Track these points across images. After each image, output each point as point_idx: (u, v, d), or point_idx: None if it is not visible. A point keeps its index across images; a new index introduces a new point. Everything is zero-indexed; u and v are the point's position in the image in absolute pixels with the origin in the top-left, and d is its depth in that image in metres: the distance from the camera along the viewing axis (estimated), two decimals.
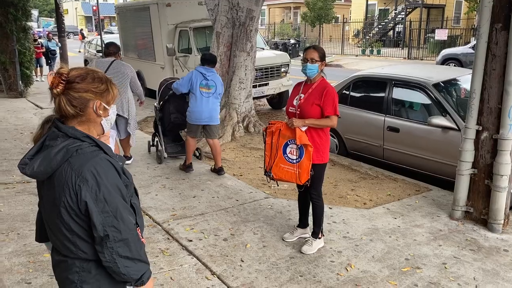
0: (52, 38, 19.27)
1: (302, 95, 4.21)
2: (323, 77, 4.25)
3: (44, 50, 17.82)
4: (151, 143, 7.65)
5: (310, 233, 4.57)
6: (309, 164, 4.13)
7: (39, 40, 17.97)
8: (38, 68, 17.57)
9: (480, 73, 4.77)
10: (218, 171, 6.58)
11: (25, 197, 5.54)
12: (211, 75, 6.35)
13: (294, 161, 4.20)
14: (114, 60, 6.42)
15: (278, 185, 5.37)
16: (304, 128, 4.15)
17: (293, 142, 4.18)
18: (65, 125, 1.84)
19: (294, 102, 4.26)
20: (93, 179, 1.76)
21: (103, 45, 17.38)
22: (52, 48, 18.38)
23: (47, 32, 21.39)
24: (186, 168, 6.71)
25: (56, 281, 2.04)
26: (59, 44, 16.93)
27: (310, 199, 4.40)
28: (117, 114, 6.13)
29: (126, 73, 6.43)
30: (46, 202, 1.88)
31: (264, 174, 4.46)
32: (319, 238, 4.41)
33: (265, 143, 4.41)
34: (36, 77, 16.74)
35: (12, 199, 5.50)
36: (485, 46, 4.71)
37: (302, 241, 4.50)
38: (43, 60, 17.98)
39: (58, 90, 1.81)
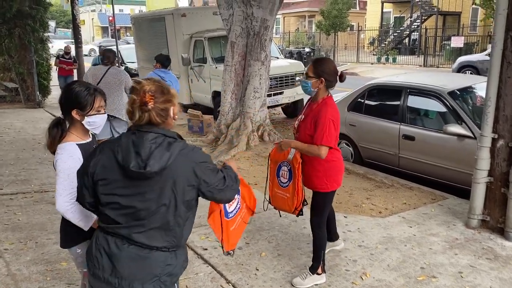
0: None
1: (303, 117, 3.75)
2: (328, 96, 3.63)
3: (77, 66, 14.12)
4: None
5: (342, 245, 4.47)
6: (294, 188, 3.76)
7: (71, 54, 14.33)
8: None
9: (495, 81, 4.74)
10: None
11: (42, 206, 5.63)
12: (167, 76, 6.93)
13: (284, 185, 3.84)
14: (111, 66, 6.62)
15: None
16: (293, 151, 3.78)
17: (285, 164, 3.84)
18: (157, 128, 2.15)
19: (296, 123, 3.85)
20: (201, 162, 2.20)
21: (118, 55, 17.33)
22: None
23: (98, 46, 17.43)
24: None
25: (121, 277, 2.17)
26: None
27: (311, 227, 3.93)
28: (115, 117, 6.33)
29: (122, 79, 6.64)
30: (148, 195, 2.12)
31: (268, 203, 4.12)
32: (318, 274, 3.91)
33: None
34: None
35: (30, 208, 5.60)
36: (500, 54, 4.68)
37: (333, 252, 4.43)
38: (72, 79, 12.92)
39: (150, 106, 2.11)
